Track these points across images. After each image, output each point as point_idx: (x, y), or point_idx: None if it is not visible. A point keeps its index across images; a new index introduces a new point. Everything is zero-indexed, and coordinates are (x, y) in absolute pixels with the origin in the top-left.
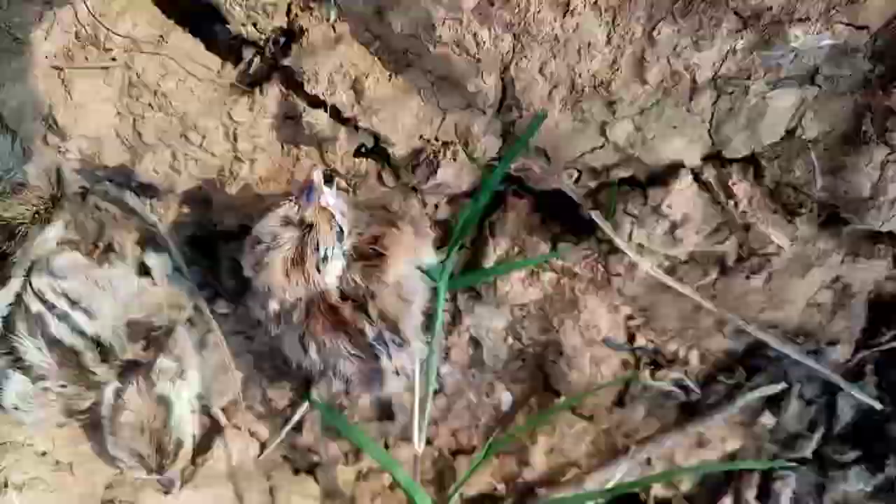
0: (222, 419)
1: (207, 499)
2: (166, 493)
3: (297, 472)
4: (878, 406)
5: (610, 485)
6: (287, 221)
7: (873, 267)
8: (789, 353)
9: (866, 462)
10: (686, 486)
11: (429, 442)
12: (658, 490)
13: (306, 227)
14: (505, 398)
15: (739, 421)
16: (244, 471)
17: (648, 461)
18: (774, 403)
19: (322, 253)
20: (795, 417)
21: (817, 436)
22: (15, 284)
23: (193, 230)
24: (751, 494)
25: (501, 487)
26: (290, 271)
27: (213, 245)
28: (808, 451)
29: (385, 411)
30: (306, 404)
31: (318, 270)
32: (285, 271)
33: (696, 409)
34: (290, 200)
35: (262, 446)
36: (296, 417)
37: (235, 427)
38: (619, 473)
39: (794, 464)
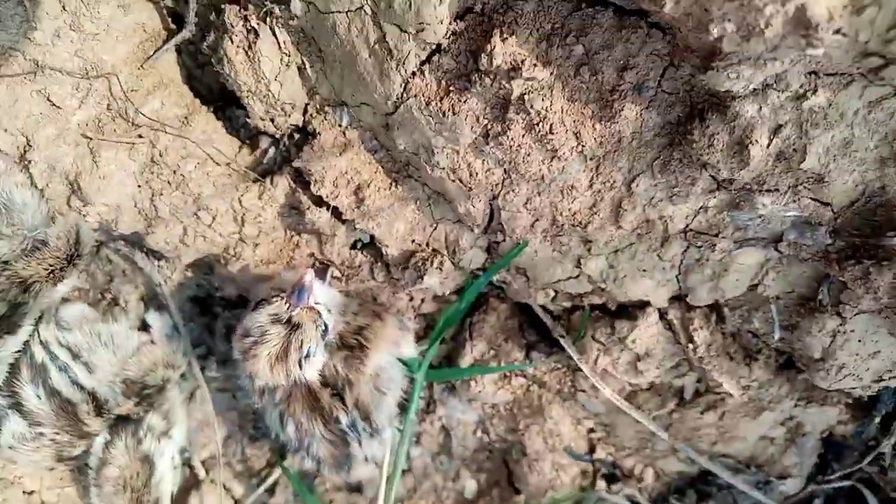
0: (201, 472)
1: None
2: None
3: None
4: None
5: None
6: (276, 319)
7: (825, 412)
8: (737, 485)
9: None
10: None
11: None
12: None
13: (293, 327)
14: (469, 485)
15: None
16: None
17: None
18: None
19: (305, 351)
20: None
21: None
22: (23, 333)
23: (195, 291)
24: None
25: None
26: (273, 365)
27: (211, 306)
28: None
29: (355, 484)
30: (278, 472)
31: (300, 366)
32: (270, 365)
33: None
34: (281, 298)
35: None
36: (269, 481)
37: (212, 482)
38: None
39: None
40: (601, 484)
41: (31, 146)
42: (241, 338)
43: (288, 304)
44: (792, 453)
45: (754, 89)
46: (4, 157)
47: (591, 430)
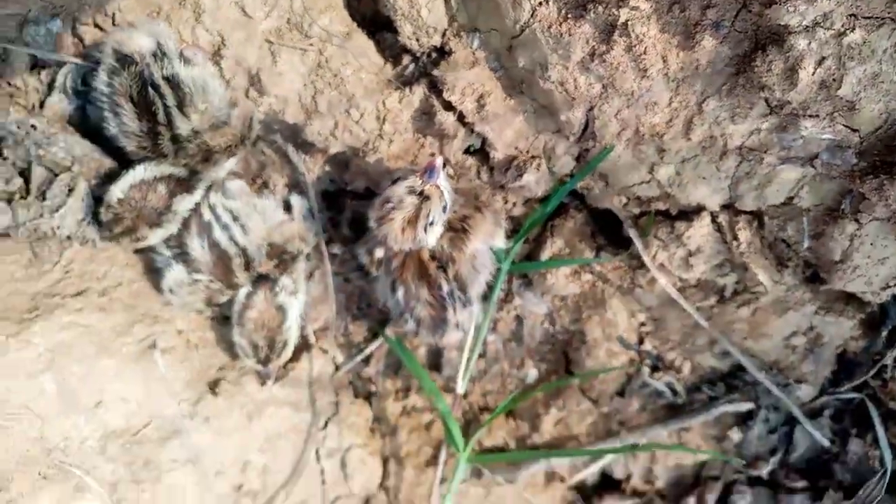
0: (312, 339)
1: (290, 396)
2: (262, 383)
3: (356, 396)
4: (827, 445)
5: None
6: (411, 191)
7: (841, 324)
8: (762, 380)
9: (811, 492)
10: (660, 483)
11: (464, 396)
12: (636, 482)
13: (424, 198)
14: (531, 373)
15: (712, 434)
16: (320, 383)
17: (634, 446)
18: (743, 423)
19: (430, 218)
20: (758, 439)
21: (774, 459)
22: (197, 195)
23: (327, 186)
24: (711, 500)
25: (512, 445)
26: (405, 228)
27: (340, 200)
28: (764, 471)
29: (435, 363)
30: (377, 343)
31: (425, 231)
32: (402, 228)
33: (680, 410)
34: (416, 175)
35: (336, 368)
36: (367, 351)
37: (320, 349)
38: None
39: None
40: (645, 371)
41: (224, 45)
42: (380, 205)
43: (421, 180)
44: (809, 361)
45: (806, 26)
46: (203, 52)
47: (642, 324)
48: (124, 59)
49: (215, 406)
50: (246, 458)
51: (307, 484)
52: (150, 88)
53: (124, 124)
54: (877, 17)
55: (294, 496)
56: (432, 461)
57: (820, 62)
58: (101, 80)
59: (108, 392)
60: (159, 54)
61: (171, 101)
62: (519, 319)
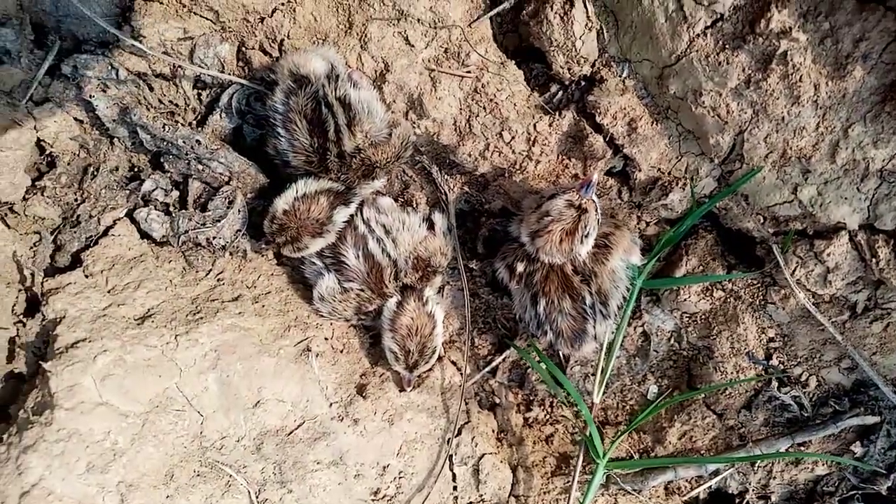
0: (441, 351)
1: (426, 402)
2: (401, 389)
3: (481, 407)
4: None
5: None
6: (570, 205)
7: None
8: (888, 395)
9: None
10: (774, 498)
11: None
12: (751, 498)
13: (582, 210)
14: (652, 389)
15: (831, 449)
16: (450, 391)
17: (753, 464)
18: (866, 437)
19: (587, 230)
20: (881, 453)
21: (894, 476)
22: (352, 208)
23: (464, 205)
24: None
25: (636, 457)
26: (563, 239)
27: (476, 219)
28: (883, 487)
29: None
30: (501, 356)
31: (581, 242)
32: (560, 238)
33: (804, 424)
34: (573, 191)
35: (466, 379)
36: (493, 364)
37: (450, 360)
38: (731, 463)
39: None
40: (774, 385)
41: (388, 70)
42: (538, 219)
43: (578, 195)
44: None
45: None
46: (366, 76)
47: (771, 340)
48: (300, 80)
49: (362, 408)
50: (385, 462)
51: (440, 490)
52: (323, 107)
53: (297, 140)
54: None
55: (428, 502)
56: (557, 471)
57: None
58: (278, 99)
59: (267, 391)
60: (332, 76)
61: (341, 119)
62: (645, 335)
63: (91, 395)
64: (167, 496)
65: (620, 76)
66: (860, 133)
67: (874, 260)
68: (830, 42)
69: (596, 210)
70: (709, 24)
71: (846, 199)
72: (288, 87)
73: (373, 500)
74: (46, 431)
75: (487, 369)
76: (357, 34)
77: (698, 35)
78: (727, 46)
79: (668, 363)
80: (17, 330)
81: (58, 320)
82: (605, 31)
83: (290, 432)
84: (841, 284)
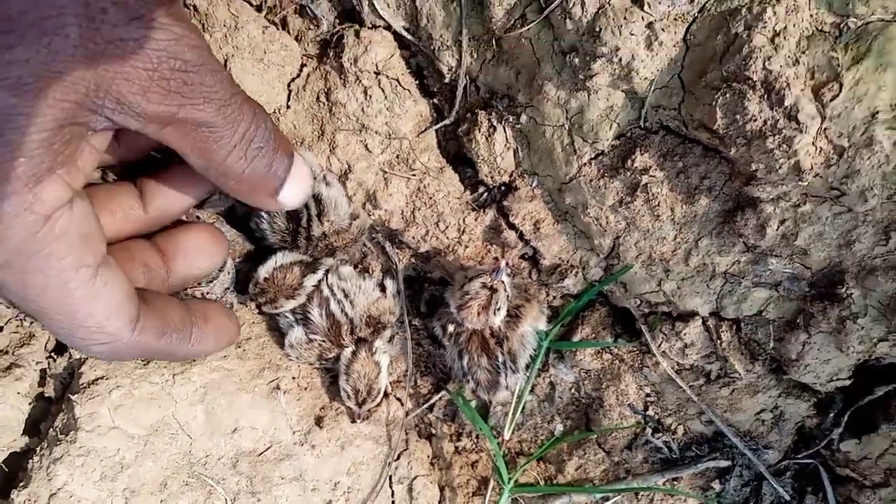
0: (389, 389)
1: (373, 432)
2: (353, 420)
3: (420, 436)
4: (787, 499)
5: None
6: (483, 286)
7: (799, 405)
8: (737, 444)
9: None
10: None
11: (502, 442)
12: None
13: (493, 290)
14: (558, 427)
15: (699, 485)
16: (394, 424)
17: (636, 494)
18: (723, 477)
19: (497, 306)
20: (735, 490)
21: None
22: (319, 275)
23: (411, 272)
24: None
25: (541, 483)
26: (479, 313)
27: (420, 284)
28: None
29: (483, 416)
30: (438, 395)
31: (494, 314)
32: (477, 312)
33: (673, 464)
34: (486, 274)
35: (407, 413)
36: (431, 401)
37: (395, 397)
38: (615, 492)
39: None
40: (648, 431)
41: (350, 171)
42: (461, 296)
43: (490, 278)
44: (775, 432)
45: (772, 198)
46: (334, 176)
47: (648, 395)
48: None
49: (319, 436)
50: (337, 479)
51: (380, 503)
52: None
53: (275, 224)
54: (820, 196)
55: None
56: (477, 491)
57: (782, 222)
58: None
59: (244, 420)
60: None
61: (313, 211)
62: (552, 385)
63: (106, 420)
64: (161, 500)
65: (531, 186)
66: (708, 244)
67: (719, 341)
68: (684, 177)
69: (505, 289)
70: (592, 156)
71: (698, 293)
72: None
73: None
74: (71, 448)
75: (426, 406)
76: (327, 140)
77: (585, 164)
78: (605, 175)
79: (571, 407)
80: (49, 363)
81: (82, 360)
82: (520, 150)
83: (261, 453)
84: (696, 357)
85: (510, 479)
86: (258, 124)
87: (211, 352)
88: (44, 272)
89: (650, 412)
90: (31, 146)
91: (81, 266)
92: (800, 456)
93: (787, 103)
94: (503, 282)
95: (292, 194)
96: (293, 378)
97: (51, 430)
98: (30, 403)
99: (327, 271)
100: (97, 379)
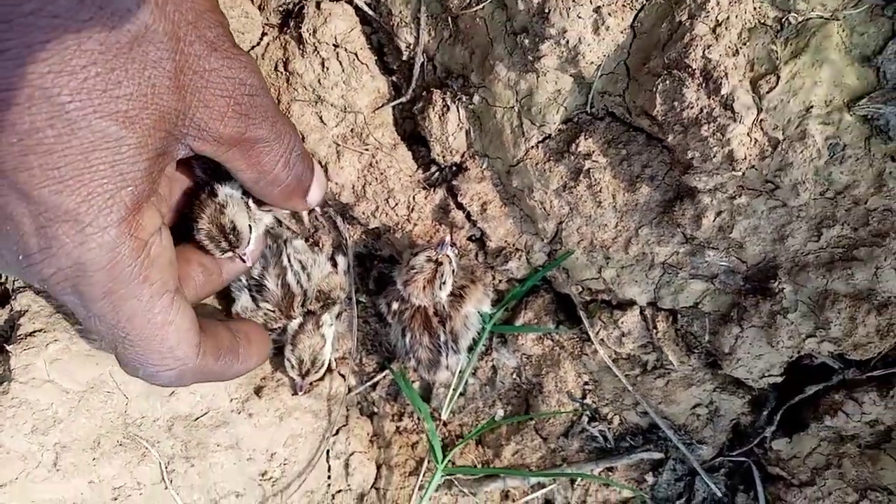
0: (333, 365)
1: (312, 406)
2: (294, 393)
3: (361, 413)
4: (720, 495)
5: (545, 479)
6: (429, 259)
7: (733, 401)
8: (671, 438)
9: None
10: None
11: (444, 424)
12: None
13: (438, 264)
14: (499, 412)
15: (633, 476)
16: (335, 399)
17: (572, 482)
18: (656, 470)
19: (443, 279)
20: (667, 484)
21: (679, 503)
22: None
23: (361, 249)
24: None
25: (479, 466)
26: (425, 287)
27: (370, 261)
28: None
29: (426, 396)
30: (382, 374)
31: (440, 288)
32: (423, 287)
33: (609, 453)
34: (432, 248)
35: (349, 390)
36: (374, 380)
37: (339, 373)
38: (551, 478)
39: None
40: (584, 419)
41: (304, 141)
42: (407, 271)
43: (435, 252)
44: (710, 428)
45: (709, 189)
46: None
47: (586, 384)
48: None
49: (257, 405)
50: (273, 451)
51: (316, 477)
52: None
53: None
54: (756, 189)
55: (305, 485)
56: (414, 471)
57: (718, 214)
58: None
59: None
60: None
61: None
62: (494, 369)
63: (41, 373)
64: (93, 458)
65: (481, 167)
66: (648, 234)
67: (655, 331)
68: (626, 164)
69: (450, 262)
70: (540, 140)
71: (637, 282)
72: None
73: (261, 479)
74: (3, 399)
75: (369, 384)
76: (283, 109)
77: (532, 147)
78: (551, 159)
79: (512, 392)
80: None
81: (22, 312)
82: (472, 131)
83: (197, 418)
84: (633, 346)
85: (445, 458)
86: (296, 134)
87: (253, 368)
88: (138, 297)
89: (587, 400)
90: (137, 175)
91: (165, 291)
92: (734, 453)
93: (723, 92)
94: (448, 256)
95: (318, 194)
96: None
97: None
98: None
99: (285, 241)
100: (35, 331)
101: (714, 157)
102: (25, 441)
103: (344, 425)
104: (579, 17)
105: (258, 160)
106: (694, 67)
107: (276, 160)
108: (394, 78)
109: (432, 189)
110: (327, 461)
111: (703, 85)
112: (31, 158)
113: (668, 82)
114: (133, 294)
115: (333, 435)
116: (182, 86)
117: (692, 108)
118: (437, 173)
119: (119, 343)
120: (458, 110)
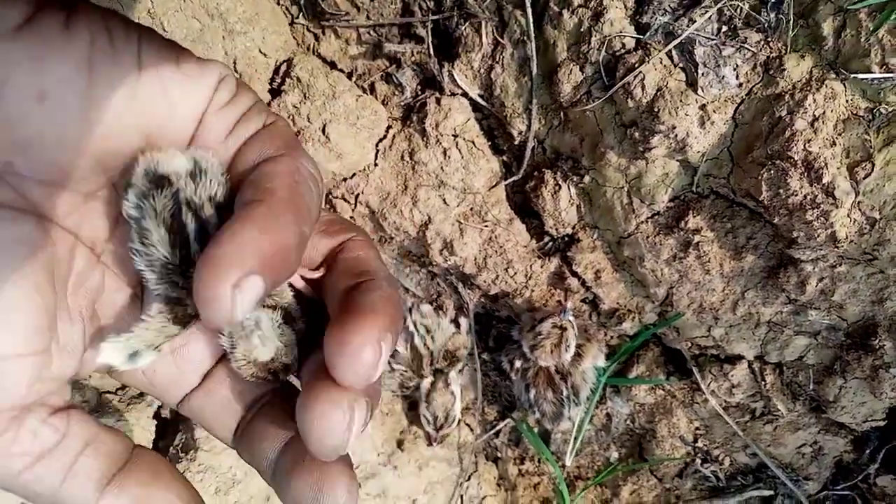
0: (459, 416)
1: (446, 455)
2: (429, 444)
3: (487, 459)
4: None
5: None
6: (554, 325)
7: (837, 441)
8: (780, 476)
9: None
10: None
11: (562, 466)
12: None
13: (563, 329)
14: (614, 455)
15: None
16: (464, 447)
17: None
18: None
19: (567, 343)
20: None
21: None
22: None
23: (479, 310)
24: None
25: None
26: (552, 350)
27: (488, 321)
28: None
29: (545, 442)
30: (504, 422)
31: (566, 351)
32: (550, 350)
33: (720, 492)
34: (555, 315)
35: (476, 438)
36: (497, 427)
37: (465, 423)
38: None
39: None
40: (697, 461)
41: (430, 222)
42: (534, 336)
43: (559, 318)
44: (815, 465)
45: (811, 259)
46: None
47: (697, 429)
48: None
49: (401, 458)
50: (415, 497)
51: None
52: None
53: None
54: (854, 258)
55: None
56: None
57: (820, 280)
58: None
59: None
60: None
61: None
62: (608, 416)
63: (220, 441)
64: None
65: (592, 238)
66: (753, 296)
67: (763, 383)
68: (732, 236)
69: (573, 327)
70: (649, 216)
71: (744, 339)
72: None
73: None
74: (191, 465)
75: (493, 431)
76: (410, 194)
77: (642, 222)
78: (661, 232)
79: (626, 437)
80: None
81: None
82: (582, 206)
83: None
84: (742, 396)
85: (571, 501)
86: None
87: None
88: None
89: (699, 444)
90: None
91: None
92: (838, 487)
93: (825, 181)
94: (570, 321)
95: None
96: (383, 410)
97: (171, 448)
98: (155, 425)
99: (410, 308)
100: None
101: (818, 237)
102: (211, 501)
103: (474, 471)
104: (686, 115)
105: None
106: (796, 159)
107: None
108: (504, 157)
109: (547, 258)
110: None
111: (806, 174)
112: None
113: (772, 171)
114: None
115: (466, 480)
116: None
117: (796, 195)
118: (551, 243)
119: None
120: (569, 188)
